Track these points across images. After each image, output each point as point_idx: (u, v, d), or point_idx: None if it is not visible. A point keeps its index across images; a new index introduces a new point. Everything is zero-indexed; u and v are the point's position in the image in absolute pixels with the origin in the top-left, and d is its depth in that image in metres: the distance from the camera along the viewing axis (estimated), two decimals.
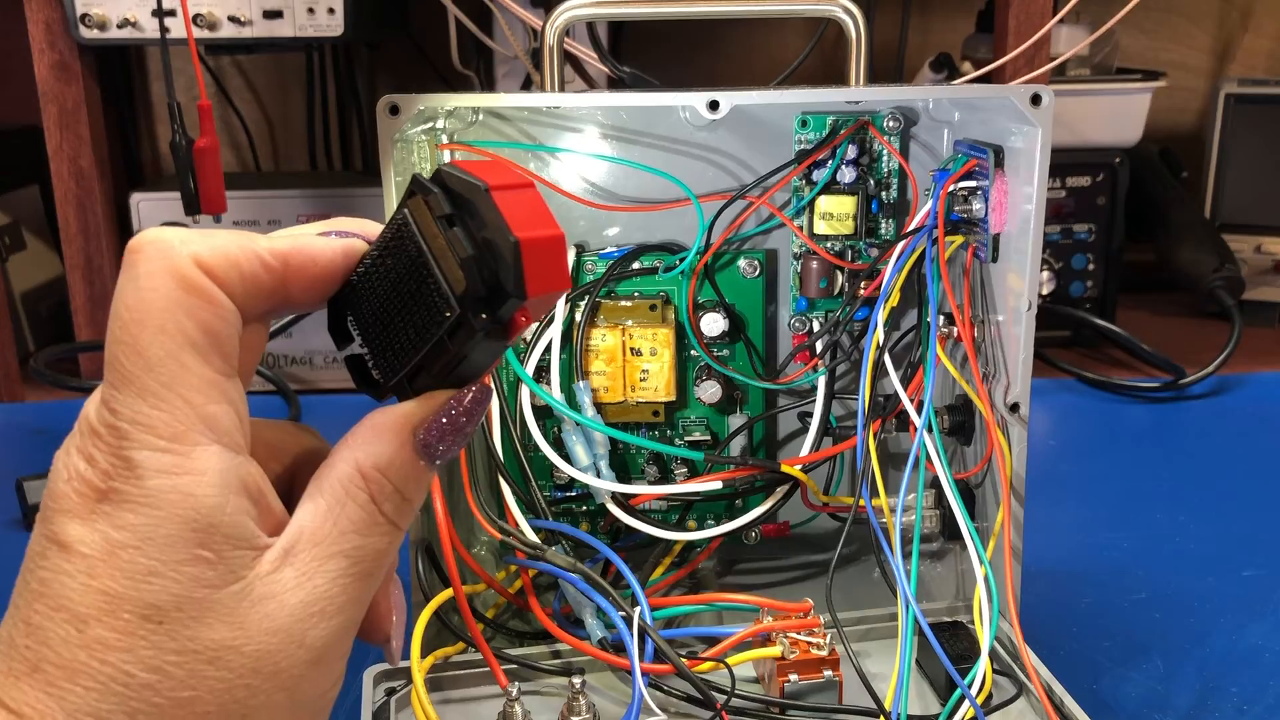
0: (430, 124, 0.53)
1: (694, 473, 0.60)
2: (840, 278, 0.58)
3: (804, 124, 0.57)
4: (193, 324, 0.27)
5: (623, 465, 0.60)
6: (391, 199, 0.49)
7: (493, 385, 0.31)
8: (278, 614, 0.27)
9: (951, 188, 0.53)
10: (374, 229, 0.31)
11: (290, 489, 0.32)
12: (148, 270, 0.27)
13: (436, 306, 0.28)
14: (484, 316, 0.28)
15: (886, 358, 0.54)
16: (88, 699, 0.26)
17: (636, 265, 0.58)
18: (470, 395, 0.30)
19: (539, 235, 0.27)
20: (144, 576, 0.26)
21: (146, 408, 0.27)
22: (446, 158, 0.55)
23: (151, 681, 0.26)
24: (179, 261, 0.27)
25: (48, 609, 0.26)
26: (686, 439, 0.60)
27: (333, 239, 0.31)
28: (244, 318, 0.29)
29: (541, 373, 0.56)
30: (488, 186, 0.27)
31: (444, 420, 0.30)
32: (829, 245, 0.58)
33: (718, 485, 0.56)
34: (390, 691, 0.51)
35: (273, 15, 0.94)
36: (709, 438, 0.60)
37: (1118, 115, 1.09)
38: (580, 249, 0.58)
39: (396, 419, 0.30)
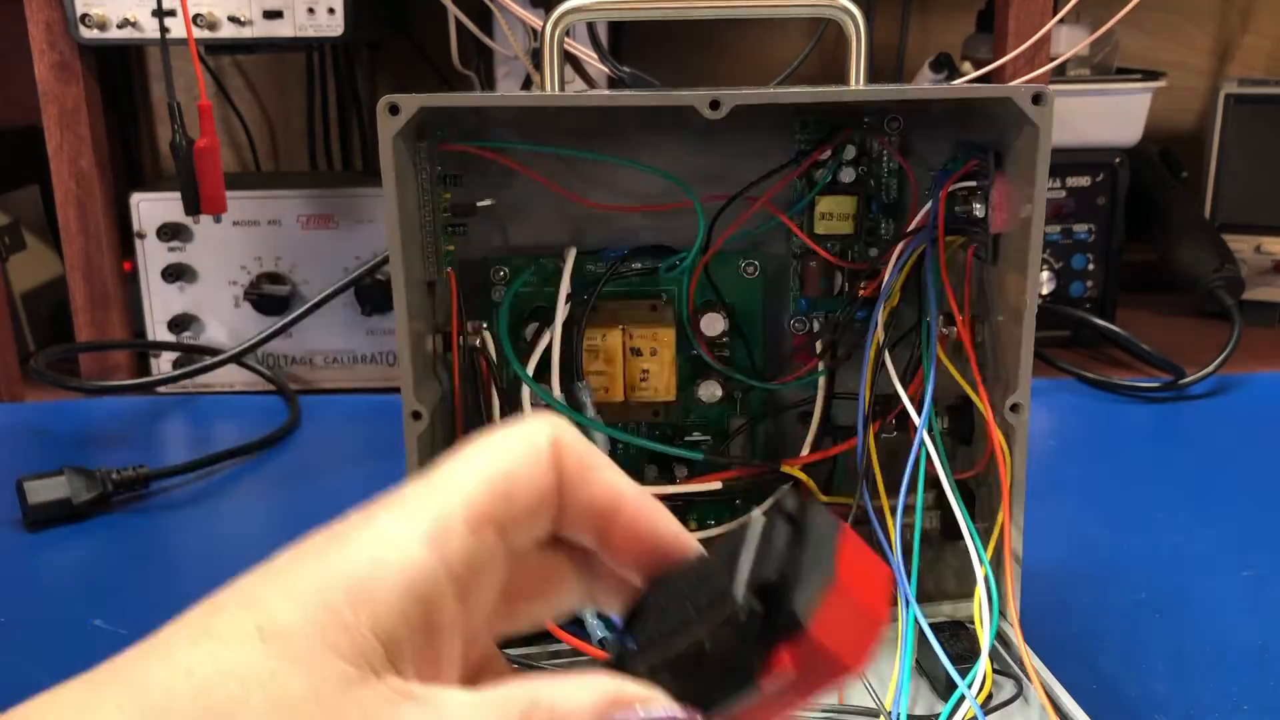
0: (430, 124, 0.53)
1: (694, 473, 0.60)
2: (840, 278, 0.58)
3: (804, 124, 0.57)
4: None
5: (623, 465, 0.60)
6: (392, 199, 0.48)
7: None
8: None
9: (951, 188, 0.53)
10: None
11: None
12: None
13: (717, 595, 0.26)
14: (753, 626, 0.25)
15: (886, 358, 0.54)
16: None
17: (636, 265, 0.58)
18: (681, 713, 0.27)
19: (856, 596, 0.25)
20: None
21: None
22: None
23: None
24: None
25: None
26: (686, 439, 0.60)
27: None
28: None
29: (541, 373, 0.56)
30: (842, 527, 0.26)
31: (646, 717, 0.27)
32: (829, 245, 0.58)
33: (718, 485, 0.57)
34: None
35: (273, 15, 0.94)
36: (709, 438, 0.60)
37: (1118, 115, 1.09)
38: (580, 249, 0.58)
39: (609, 688, 0.27)
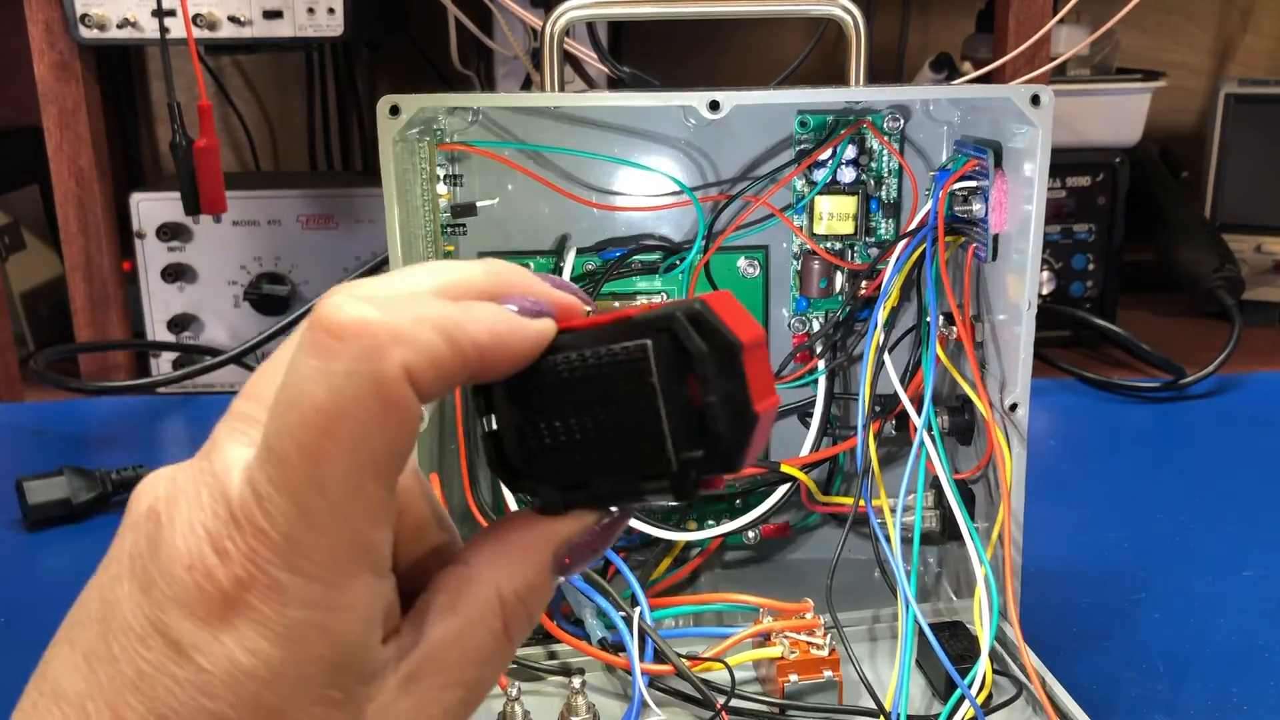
0: (430, 124, 0.53)
1: None
2: (840, 278, 0.58)
3: (804, 124, 0.57)
4: (384, 444, 0.24)
5: None
6: (392, 199, 0.48)
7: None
8: None
9: (951, 188, 0.53)
10: (555, 296, 0.28)
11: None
12: (350, 371, 0.24)
13: (649, 455, 0.27)
14: (695, 477, 0.27)
15: (886, 358, 0.54)
16: None
17: (636, 265, 0.58)
18: (616, 519, 0.29)
19: (769, 407, 0.27)
20: (267, 714, 0.24)
21: (306, 528, 0.24)
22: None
23: None
24: (389, 372, 0.24)
25: (144, 709, 0.24)
26: None
27: (531, 325, 0.27)
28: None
29: None
30: (742, 346, 0.26)
31: (587, 543, 0.28)
32: (829, 245, 0.58)
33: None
34: None
35: (273, 15, 0.94)
36: None
37: (1118, 115, 1.09)
38: (580, 249, 0.58)
39: (543, 539, 0.28)
